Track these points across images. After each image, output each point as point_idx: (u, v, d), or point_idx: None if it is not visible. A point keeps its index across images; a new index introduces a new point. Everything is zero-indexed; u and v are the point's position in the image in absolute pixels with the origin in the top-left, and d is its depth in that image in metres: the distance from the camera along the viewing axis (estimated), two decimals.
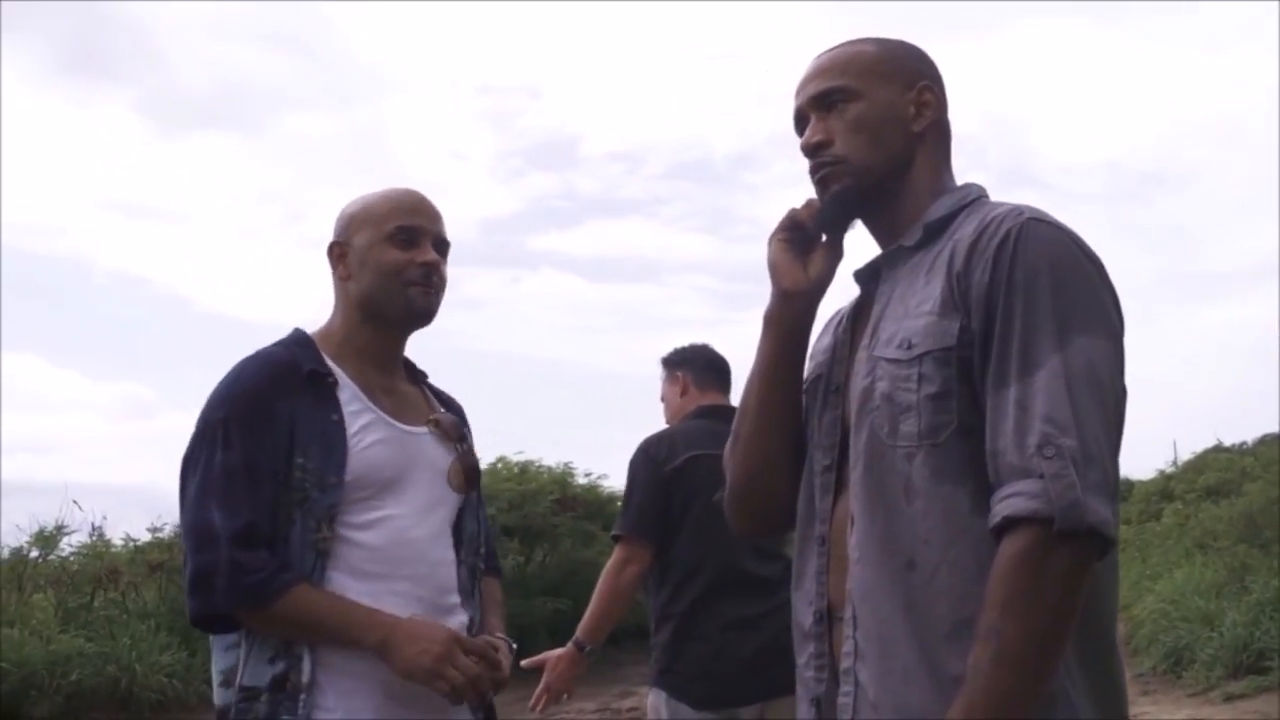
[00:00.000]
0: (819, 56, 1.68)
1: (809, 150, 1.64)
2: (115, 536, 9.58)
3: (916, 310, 1.51)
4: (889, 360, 1.50)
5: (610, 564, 3.52)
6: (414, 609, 1.95)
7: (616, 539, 3.56)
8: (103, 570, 8.66)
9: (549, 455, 12.87)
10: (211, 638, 1.97)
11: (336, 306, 2.12)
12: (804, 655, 1.59)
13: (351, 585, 1.92)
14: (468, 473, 2.12)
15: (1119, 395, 1.46)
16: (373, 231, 2.06)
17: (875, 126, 1.61)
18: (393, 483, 1.99)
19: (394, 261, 2.04)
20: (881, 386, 1.50)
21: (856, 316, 1.67)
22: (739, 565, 3.37)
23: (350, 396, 2.00)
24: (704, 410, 3.62)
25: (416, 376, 2.22)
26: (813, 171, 1.64)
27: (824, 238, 1.66)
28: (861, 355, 1.57)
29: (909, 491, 1.46)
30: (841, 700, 1.50)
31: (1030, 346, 1.41)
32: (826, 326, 1.76)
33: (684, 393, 3.70)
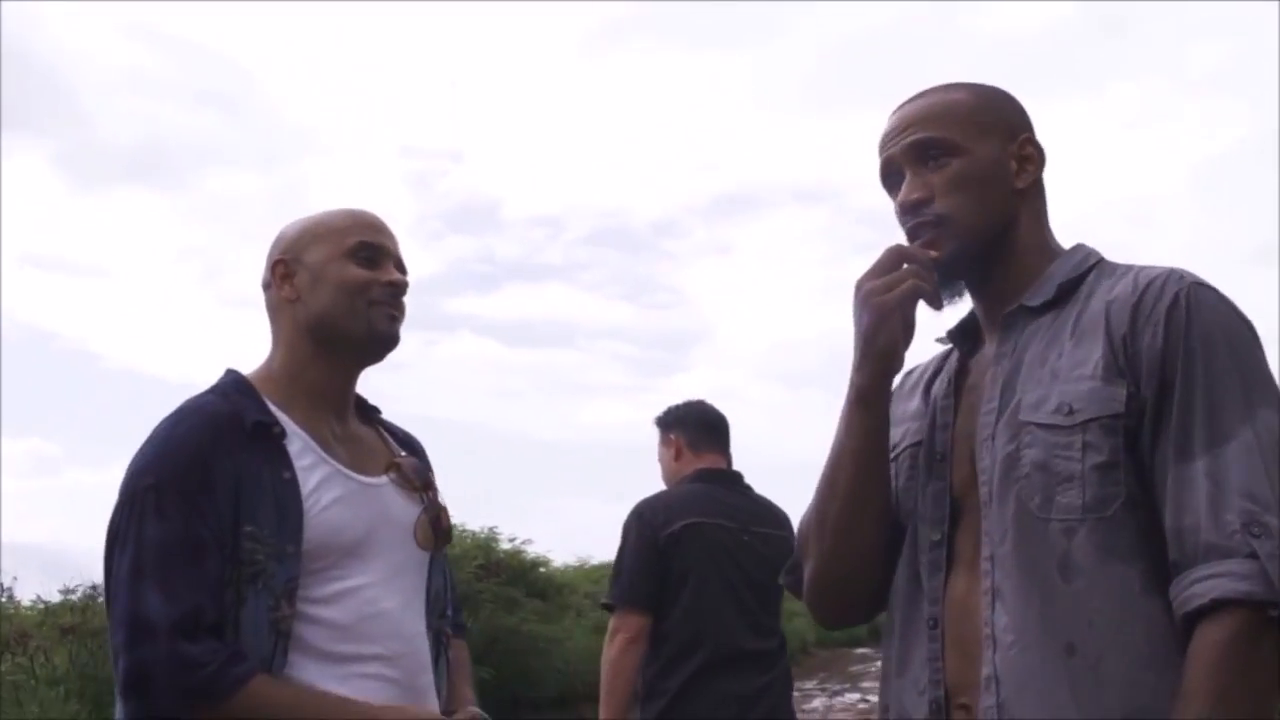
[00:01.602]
0: (908, 104, 1.55)
1: (908, 208, 1.51)
2: (25, 597, 9.34)
3: (1073, 374, 1.39)
4: (1042, 426, 1.38)
5: (606, 639, 3.32)
6: (387, 694, 1.73)
7: (608, 608, 3.38)
8: (10, 633, 8.41)
9: (472, 520, 12.77)
10: None
11: (278, 340, 1.87)
12: None
13: (315, 669, 1.69)
14: (437, 527, 1.88)
15: None
16: (331, 246, 1.83)
17: (979, 184, 1.49)
18: (357, 547, 1.76)
19: (357, 278, 1.81)
20: (1031, 454, 1.38)
21: (959, 379, 1.56)
22: (736, 642, 3.27)
23: (301, 448, 1.76)
24: (702, 474, 3.45)
25: (370, 415, 1.97)
26: (911, 232, 1.51)
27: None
28: (986, 420, 1.45)
29: (1067, 569, 1.35)
30: None
31: (1217, 417, 1.32)
32: (902, 389, 1.64)
33: (678, 456, 3.51)
